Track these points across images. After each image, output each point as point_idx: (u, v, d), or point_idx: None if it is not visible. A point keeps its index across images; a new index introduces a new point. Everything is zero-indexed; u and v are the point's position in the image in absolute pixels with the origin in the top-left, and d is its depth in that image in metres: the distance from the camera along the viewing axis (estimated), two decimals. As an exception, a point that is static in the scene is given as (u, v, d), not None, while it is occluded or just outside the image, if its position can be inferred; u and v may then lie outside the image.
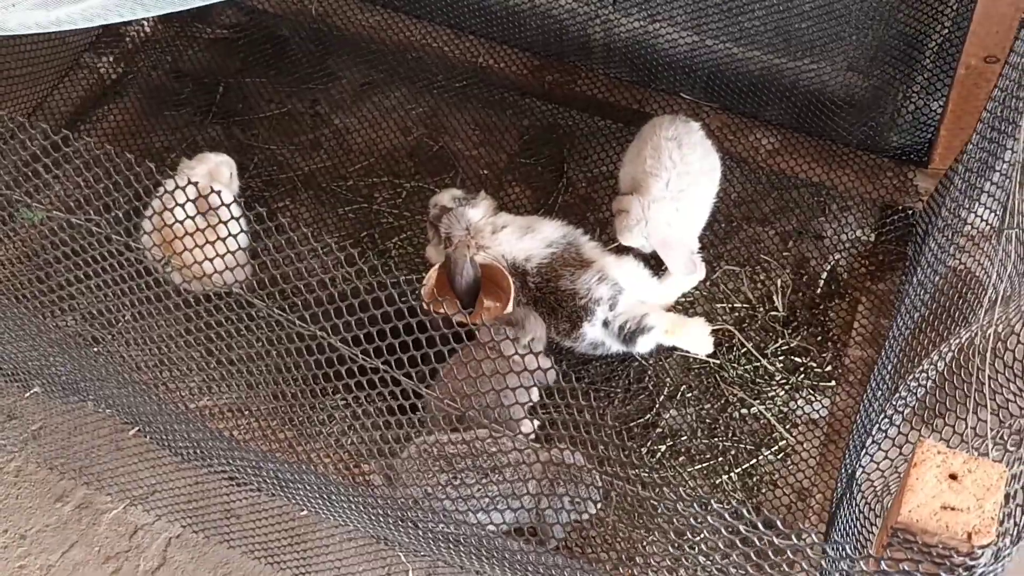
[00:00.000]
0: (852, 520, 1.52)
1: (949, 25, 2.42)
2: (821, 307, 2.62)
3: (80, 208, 1.48)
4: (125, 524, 2.52)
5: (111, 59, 3.14)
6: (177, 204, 1.37)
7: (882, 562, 1.04)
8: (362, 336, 1.43)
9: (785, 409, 2.46)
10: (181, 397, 1.85)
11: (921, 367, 1.54)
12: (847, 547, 1.49)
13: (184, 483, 2.44)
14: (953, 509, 1.02)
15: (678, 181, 2.46)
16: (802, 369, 2.52)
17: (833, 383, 2.49)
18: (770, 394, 2.49)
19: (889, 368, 2.09)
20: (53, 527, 2.53)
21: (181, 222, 1.41)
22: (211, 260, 1.41)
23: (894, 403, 1.64)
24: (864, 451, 1.54)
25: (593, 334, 2.43)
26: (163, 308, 1.63)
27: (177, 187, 1.38)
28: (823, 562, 1.15)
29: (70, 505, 2.56)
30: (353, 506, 1.75)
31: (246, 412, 1.79)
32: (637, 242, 2.50)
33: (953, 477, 1.04)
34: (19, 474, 2.61)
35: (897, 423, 1.56)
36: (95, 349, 1.79)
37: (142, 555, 2.48)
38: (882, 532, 1.15)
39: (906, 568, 1.02)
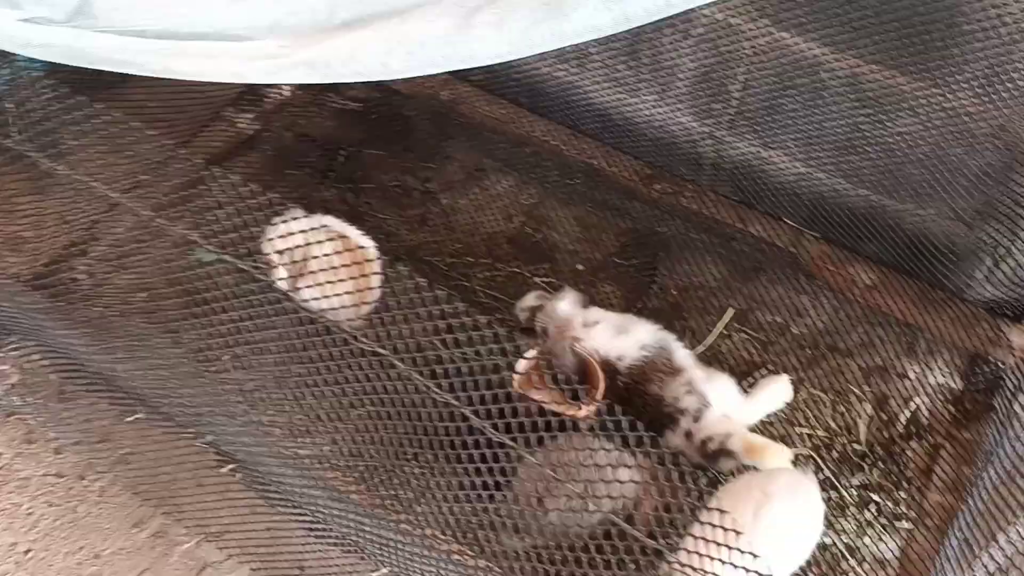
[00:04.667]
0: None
1: (1058, 190, 2.47)
2: (899, 447, 2.62)
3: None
4: (196, 559, 2.58)
5: (251, 116, 3.35)
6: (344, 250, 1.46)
7: None
8: (477, 398, 1.51)
9: (856, 543, 2.45)
10: (304, 443, 1.93)
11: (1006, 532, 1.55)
12: None
13: (259, 527, 2.50)
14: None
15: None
16: (876, 506, 2.51)
17: (906, 524, 2.47)
18: (841, 525, 2.48)
19: (971, 520, 2.09)
20: (127, 551, 2.60)
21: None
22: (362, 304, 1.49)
23: (981, 560, 1.65)
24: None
25: (674, 442, 2.46)
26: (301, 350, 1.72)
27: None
28: None
29: (146, 532, 2.63)
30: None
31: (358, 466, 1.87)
32: None
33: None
34: (102, 494, 2.70)
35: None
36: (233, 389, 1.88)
37: (208, 592, 2.53)
38: None
39: None
